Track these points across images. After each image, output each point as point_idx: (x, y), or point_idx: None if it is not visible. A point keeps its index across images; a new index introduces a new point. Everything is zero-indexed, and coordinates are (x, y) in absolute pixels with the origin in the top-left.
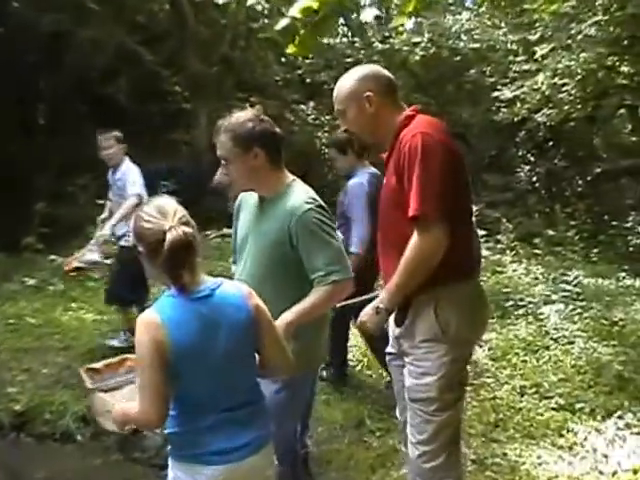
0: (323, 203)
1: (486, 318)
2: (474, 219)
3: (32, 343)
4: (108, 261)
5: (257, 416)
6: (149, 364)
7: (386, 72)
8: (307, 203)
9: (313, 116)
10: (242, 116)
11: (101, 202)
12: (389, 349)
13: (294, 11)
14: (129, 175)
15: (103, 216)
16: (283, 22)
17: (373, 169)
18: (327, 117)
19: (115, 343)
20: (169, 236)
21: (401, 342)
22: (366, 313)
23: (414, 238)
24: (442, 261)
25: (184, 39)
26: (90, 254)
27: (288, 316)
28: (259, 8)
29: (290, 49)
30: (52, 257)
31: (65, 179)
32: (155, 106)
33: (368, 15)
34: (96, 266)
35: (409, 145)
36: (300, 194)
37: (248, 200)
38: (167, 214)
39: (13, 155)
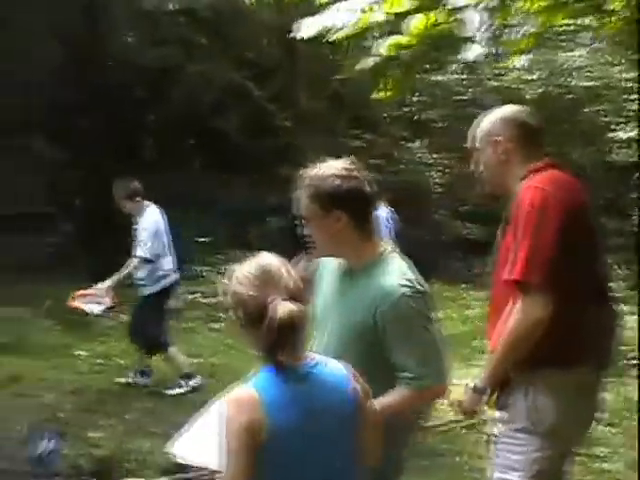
0: (422, 285)
1: (592, 416)
2: (611, 292)
3: (117, 385)
4: (111, 308)
5: None
6: (241, 447)
7: (530, 118)
8: (403, 286)
9: (420, 154)
10: (328, 169)
11: (202, 240)
12: (494, 431)
13: (381, 49)
14: (141, 234)
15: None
16: (367, 61)
17: (389, 209)
18: (435, 156)
19: (174, 391)
20: (272, 313)
21: (497, 427)
22: (462, 391)
23: (516, 306)
24: (540, 340)
25: (293, 74)
26: (96, 305)
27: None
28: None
29: (376, 94)
30: None
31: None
32: (264, 141)
33: (472, 54)
34: (95, 315)
35: (522, 201)
36: (395, 273)
37: (332, 265)
38: (272, 281)
39: None
